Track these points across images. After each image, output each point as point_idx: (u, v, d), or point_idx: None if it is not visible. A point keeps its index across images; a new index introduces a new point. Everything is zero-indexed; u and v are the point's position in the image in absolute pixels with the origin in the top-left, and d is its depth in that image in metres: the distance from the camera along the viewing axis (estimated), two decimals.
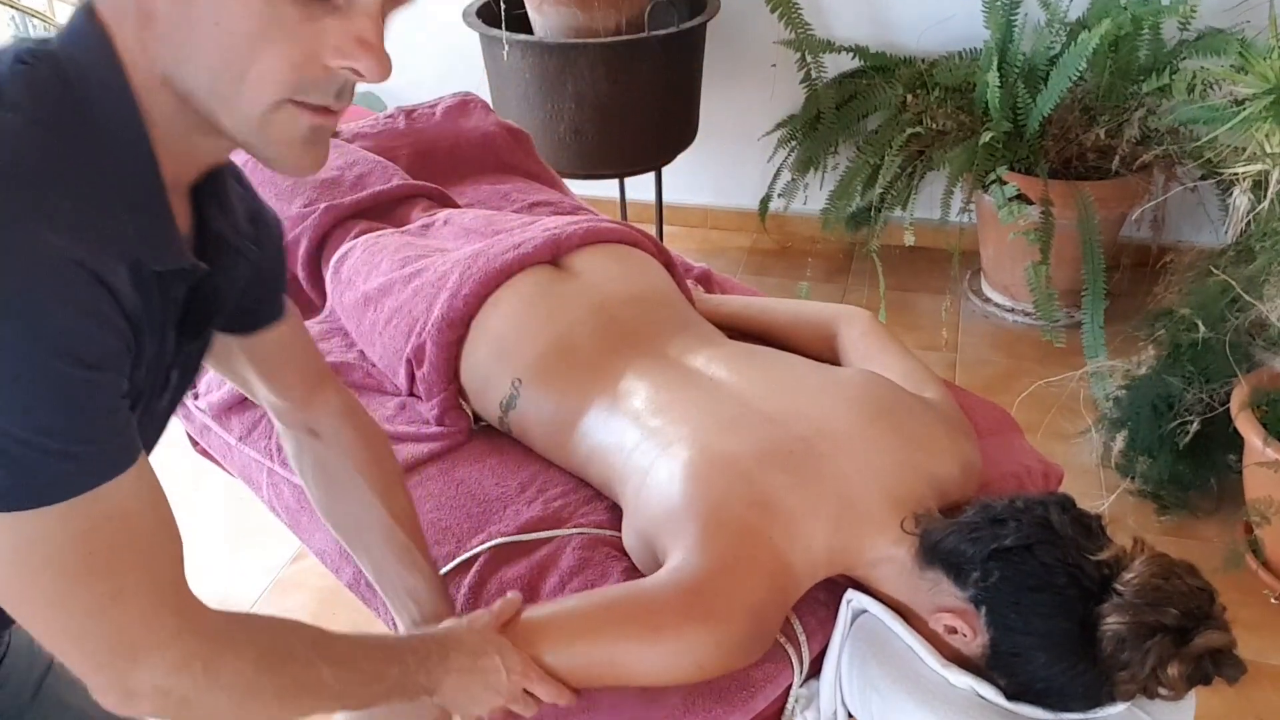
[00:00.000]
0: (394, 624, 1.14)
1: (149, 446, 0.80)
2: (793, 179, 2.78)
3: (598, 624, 1.01)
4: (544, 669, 0.98)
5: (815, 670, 1.14)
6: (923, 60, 2.70)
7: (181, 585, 0.73)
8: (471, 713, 0.95)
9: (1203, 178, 2.41)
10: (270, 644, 0.78)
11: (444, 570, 1.21)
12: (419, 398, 1.45)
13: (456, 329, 1.39)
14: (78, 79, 0.67)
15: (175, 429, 1.21)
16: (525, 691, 0.97)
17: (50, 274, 0.61)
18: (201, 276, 0.76)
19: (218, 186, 0.80)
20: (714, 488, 1.09)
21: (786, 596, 1.07)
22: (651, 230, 2.46)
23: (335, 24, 0.66)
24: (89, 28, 0.68)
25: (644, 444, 1.18)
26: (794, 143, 2.79)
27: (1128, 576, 0.98)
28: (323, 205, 1.72)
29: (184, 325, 0.79)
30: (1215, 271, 1.95)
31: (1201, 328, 1.90)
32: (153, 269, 0.70)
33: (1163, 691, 0.96)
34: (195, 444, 1.66)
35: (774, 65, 2.87)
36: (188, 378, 0.86)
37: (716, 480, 1.09)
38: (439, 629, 0.99)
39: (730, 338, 1.42)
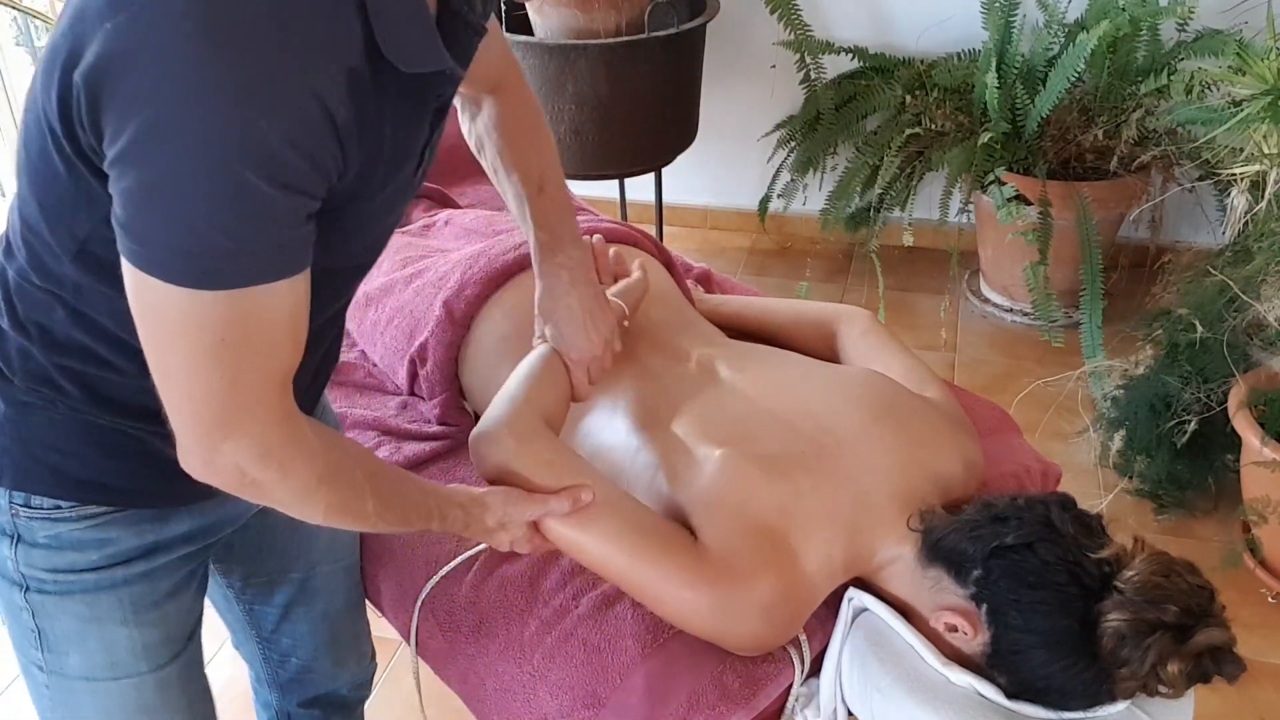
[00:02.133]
0: None
1: (398, 210, 0.91)
2: (792, 179, 2.79)
3: (626, 543, 1.06)
4: (565, 532, 1.07)
5: (815, 669, 1.14)
6: (921, 61, 2.70)
7: (287, 389, 0.80)
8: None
9: (1200, 178, 2.42)
10: (337, 464, 0.88)
11: (445, 570, 1.22)
12: (420, 397, 1.46)
13: (458, 329, 1.40)
14: None
15: None
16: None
17: (283, 107, 0.68)
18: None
19: None
20: (737, 489, 1.09)
21: (801, 607, 1.08)
22: (651, 231, 2.46)
23: None
24: None
25: (649, 444, 1.19)
26: (793, 143, 2.79)
27: (1128, 574, 0.98)
28: None
29: (439, 113, 0.87)
30: (1213, 271, 1.96)
31: (1199, 328, 1.90)
32: (403, 71, 0.76)
33: (1162, 689, 0.96)
34: None
35: (773, 66, 2.88)
36: (434, 150, 0.92)
37: (741, 483, 1.09)
38: (472, 499, 1.03)
39: (730, 337, 1.43)
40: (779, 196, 2.81)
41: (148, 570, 0.99)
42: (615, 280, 1.37)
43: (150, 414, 0.81)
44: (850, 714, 1.11)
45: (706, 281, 1.73)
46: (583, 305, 1.20)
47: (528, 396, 1.15)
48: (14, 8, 2.68)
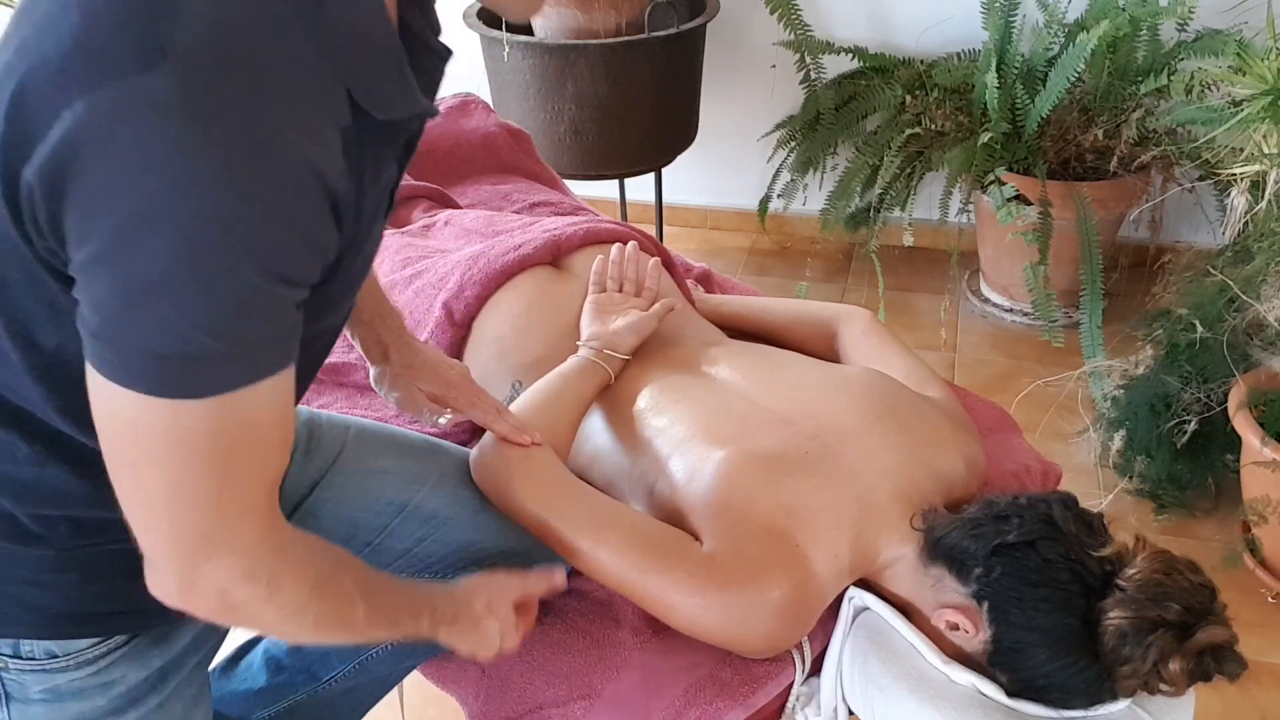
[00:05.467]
0: None
1: (369, 259, 0.82)
2: (792, 179, 2.79)
3: (635, 556, 1.05)
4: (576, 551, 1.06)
5: (816, 668, 1.14)
6: (921, 61, 2.70)
7: (274, 496, 0.73)
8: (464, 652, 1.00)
9: (1200, 178, 2.41)
10: (328, 572, 0.80)
11: None
12: None
13: (458, 330, 1.40)
14: None
15: None
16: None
17: (278, 189, 0.61)
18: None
19: None
20: (741, 489, 1.09)
21: (812, 607, 1.07)
22: (651, 231, 2.46)
23: None
24: None
25: (650, 446, 1.19)
26: (793, 143, 2.79)
27: (1130, 572, 0.98)
28: None
29: (406, 149, 0.79)
30: (1213, 271, 1.96)
31: (1199, 328, 1.90)
32: (379, 119, 0.68)
33: (1164, 687, 0.96)
34: None
35: (773, 66, 2.88)
36: (396, 194, 0.86)
37: (744, 482, 1.09)
38: (458, 587, 0.99)
39: (731, 337, 1.43)
40: (779, 196, 2.81)
41: (160, 702, 0.90)
42: (637, 290, 1.39)
43: None
44: (851, 713, 1.11)
45: (706, 281, 1.73)
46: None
47: (534, 409, 1.17)
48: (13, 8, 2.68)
